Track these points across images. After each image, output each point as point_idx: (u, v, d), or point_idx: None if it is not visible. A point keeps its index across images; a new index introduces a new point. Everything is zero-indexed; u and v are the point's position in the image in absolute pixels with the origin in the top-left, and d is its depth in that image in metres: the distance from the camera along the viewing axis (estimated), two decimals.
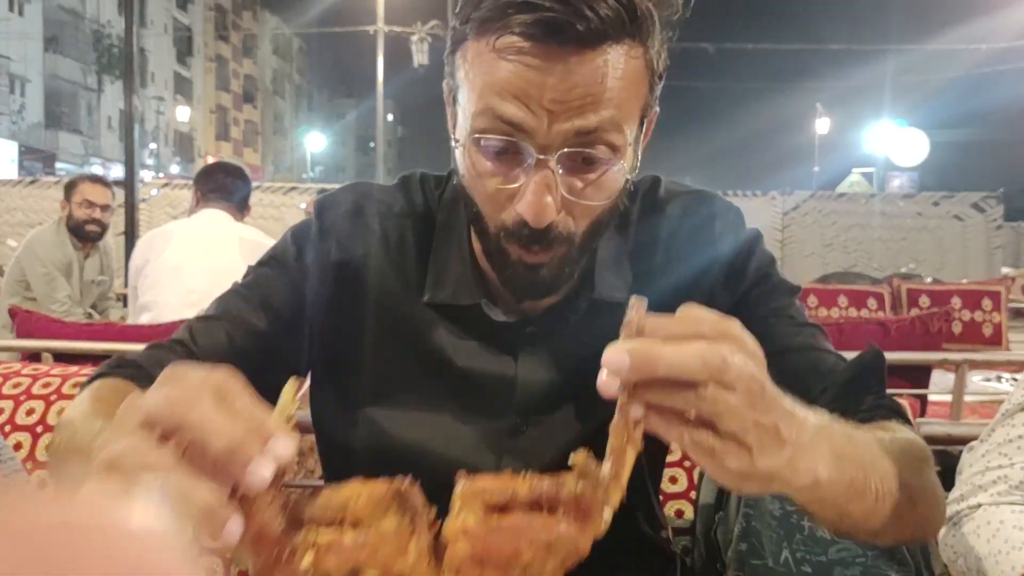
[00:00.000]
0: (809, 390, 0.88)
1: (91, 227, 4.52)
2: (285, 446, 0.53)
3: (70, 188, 4.57)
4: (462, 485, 0.60)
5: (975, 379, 3.35)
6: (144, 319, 3.37)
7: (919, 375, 2.84)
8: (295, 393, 0.59)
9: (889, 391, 0.97)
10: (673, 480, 1.48)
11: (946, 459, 1.32)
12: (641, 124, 0.88)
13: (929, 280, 6.18)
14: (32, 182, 9.25)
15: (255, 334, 0.96)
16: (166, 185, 8.78)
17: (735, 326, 0.59)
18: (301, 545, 0.56)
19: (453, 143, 0.90)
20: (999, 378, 3.31)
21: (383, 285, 0.98)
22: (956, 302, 5.04)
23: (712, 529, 1.34)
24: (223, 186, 3.50)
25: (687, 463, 1.50)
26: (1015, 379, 2.66)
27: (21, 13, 34.59)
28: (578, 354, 0.85)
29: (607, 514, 0.59)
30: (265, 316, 0.97)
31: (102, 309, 4.80)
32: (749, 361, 0.58)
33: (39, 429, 1.49)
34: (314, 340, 1.00)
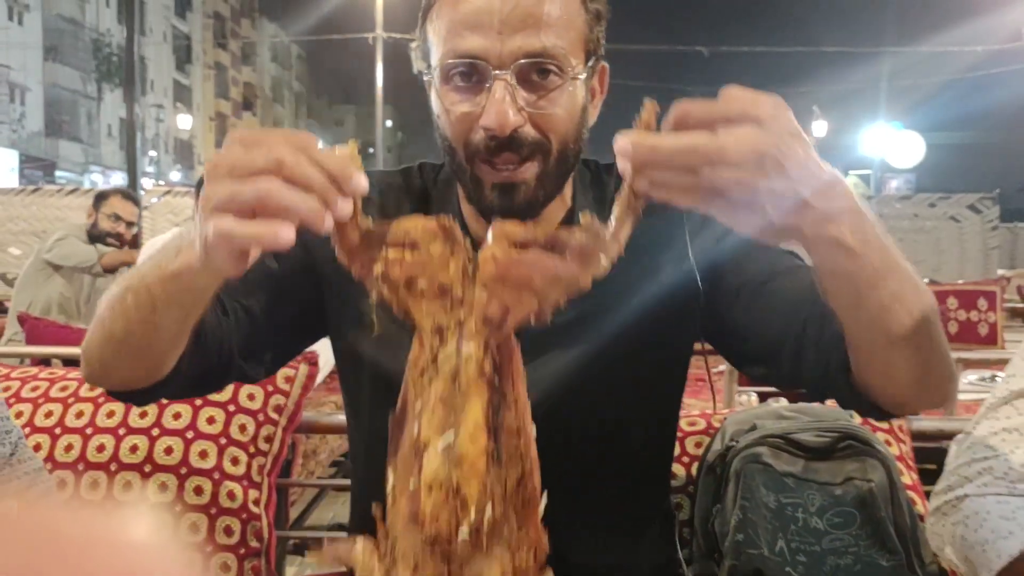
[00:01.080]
0: (811, 304, 0.93)
1: (112, 241, 4.65)
2: (364, 181, 0.71)
3: (101, 199, 4.73)
4: (494, 226, 0.76)
5: (970, 378, 3.40)
6: None
7: None
8: (356, 147, 0.73)
9: None
10: (672, 476, 1.53)
11: (938, 455, 1.36)
12: (588, 60, 1.01)
13: (926, 281, 6.23)
14: (35, 190, 9.29)
15: (268, 274, 1.06)
16: (168, 193, 8.82)
17: (764, 105, 0.68)
18: (375, 261, 0.75)
19: (431, 101, 1.03)
20: (993, 377, 3.36)
21: None
22: (952, 302, 5.09)
23: (710, 521, 1.38)
24: None
25: (684, 459, 1.54)
26: None
27: (21, 22, 34.68)
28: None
29: (605, 261, 0.74)
30: (276, 259, 1.07)
31: None
32: (758, 142, 0.66)
33: (57, 431, 1.54)
34: (323, 288, 1.10)
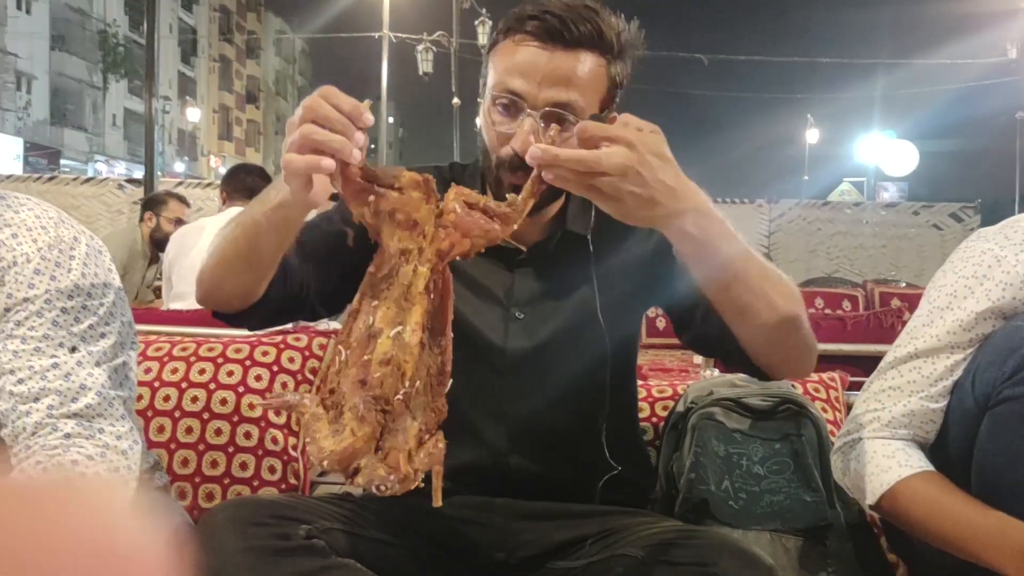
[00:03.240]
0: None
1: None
2: (370, 117, 1.01)
3: (160, 204, 5.09)
4: (454, 188, 1.03)
5: None
6: (176, 306, 3.72)
7: (872, 365, 3.17)
8: (368, 104, 1.04)
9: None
10: (643, 432, 1.83)
11: None
12: (601, 111, 1.30)
13: (903, 284, 6.50)
14: (51, 179, 9.46)
15: (339, 234, 1.28)
16: (180, 184, 9.04)
17: (637, 132, 1.02)
18: (368, 193, 1.01)
19: (482, 111, 1.35)
20: None
21: None
22: None
23: (670, 465, 1.68)
24: (246, 185, 3.93)
25: (653, 419, 1.84)
26: None
27: (28, 11, 34.66)
28: (553, 270, 1.39)
29: (515, 226, 1.04)
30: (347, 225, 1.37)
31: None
32: (627, 159, 0.99)
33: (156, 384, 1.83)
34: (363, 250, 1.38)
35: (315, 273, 1.34)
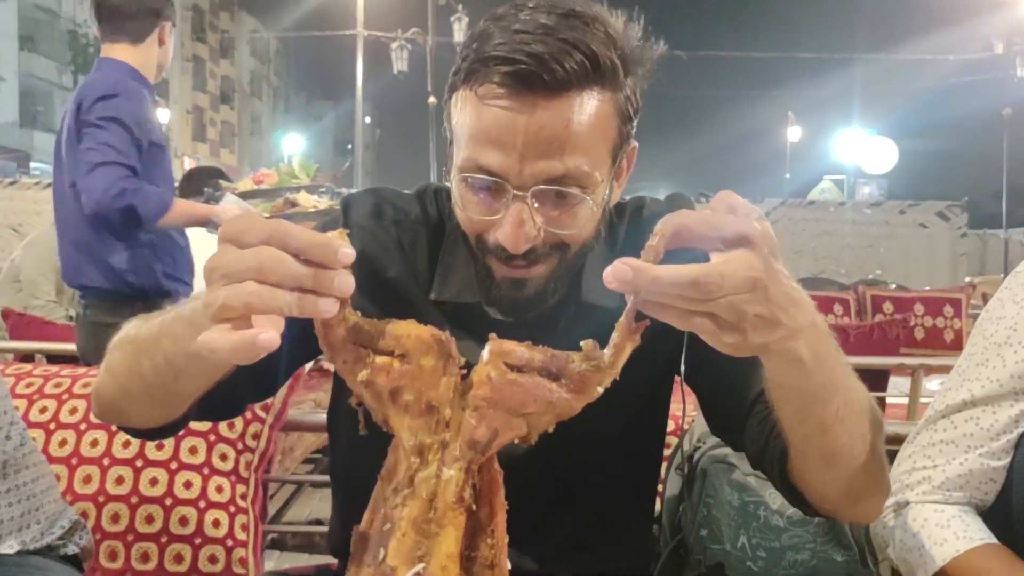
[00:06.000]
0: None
1: None
2: (349, 281, 0.68)
3: None
4: (491, 344, 0.74)
5: (935, 383, 3.50)
6: None
7: (877, 378, 3.00)
8: (344, 235, 0.70)
9: None
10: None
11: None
12: (614, 161, 1.01)
13: (893, 287, 6.37)
14: (12, 183, 9.22)
15: None
16: None
17: (755, 224, 0.70)
18: (360, 363, 0.72)
19: (452, 181, 1.02)
20: None
21: (394, 281, 1.10)
22: (919, 309, 5.22)
23: (676, 517, 1.46)
24: (201, 191, 3.65)
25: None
26: None
27: None
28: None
29: (600, 389, 0.73)
30: None
31: None
32: (752, 268, 0.68)
33: (52, 427, 1.59)
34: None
35: (251, 376, 1.00)
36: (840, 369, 0.83)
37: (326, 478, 1.41)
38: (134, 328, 0.94)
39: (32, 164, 34.31)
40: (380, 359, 0.72)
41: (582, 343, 0.74)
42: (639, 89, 1.01)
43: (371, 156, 70.54)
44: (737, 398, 1.06)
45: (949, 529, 1.12)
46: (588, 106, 0.94)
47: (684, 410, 1.21)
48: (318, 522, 3.01)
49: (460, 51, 0.99)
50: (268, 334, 0.65)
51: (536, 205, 0.95)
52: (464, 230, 1.03)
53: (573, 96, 0.93)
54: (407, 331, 0.72)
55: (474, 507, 0.73)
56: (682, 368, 1.10)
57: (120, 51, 2.77)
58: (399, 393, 0.72)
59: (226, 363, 0.81)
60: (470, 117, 0.96)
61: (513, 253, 0.96)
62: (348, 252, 0.67)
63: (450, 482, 0.71)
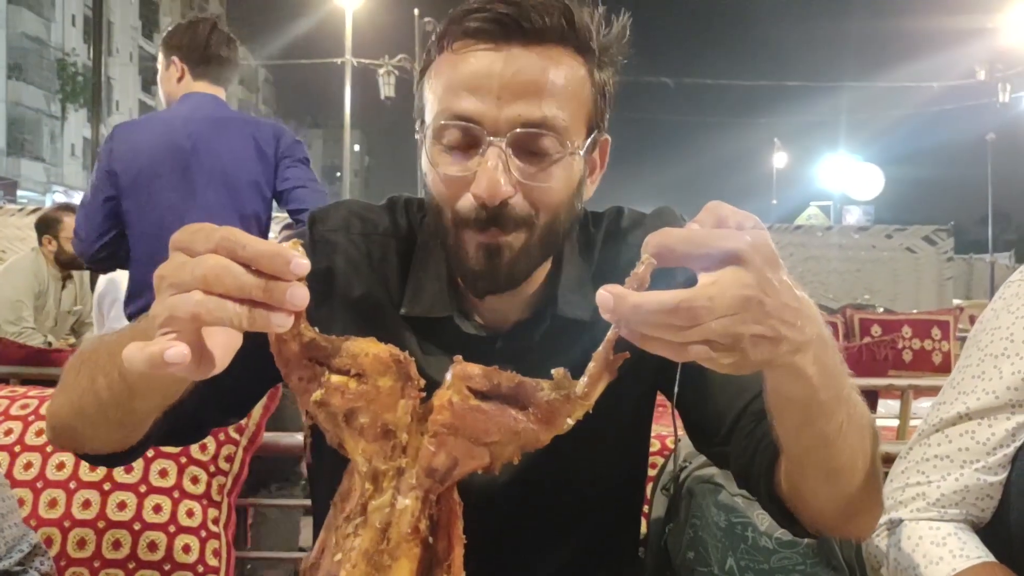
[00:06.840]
0: (756, 398, 0.97)
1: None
2: (303, 294, 0.64)
3: (53, 224, 4.54)
4: (455, 368, 0.69)
5: (924, 404, 3.48)
6: None
7: (867, 400, 2.97)
8: (298, 245, 0.65)
9: None
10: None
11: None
12: (589, 134, 0.99)
13: (881, 310, 6.36)
14: None
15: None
16: None
17: (746, 236, 0.65)
18: (315, 381, 0.68)
19: (421, 159, 0.99)
20: None
21: (364, 296, 1.06)
22: (907, 331, 5.20)
23: (662, 539, 1.42)
24: None
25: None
26: None
27: None
28: (542, 368, 0.82)
29: (569, 422, 0.69)
30: None
31: (80, 335, 4.81)
32: (744, 286, 0.63)
33: (17, 449, 1.54)
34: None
35: (218, 387, 0.96)
36: (845, 381, 0.79)
37: (307, 502, 1.36)
38: (90, 345, 0.91)
39: (19, 192, 34.18)
40: (336, 378, 0.67)
41: (553, 371, 0.69)
42: (613, 81, 1.01)
43: (360, 183, 70.64)
44: (722, 413, 1.02)
45: (945, 547, 1.09)
46: (565, 64, 0.94)
47: (676, 432, 1.17)
48: (302, 550, 2.94)
49: (433, 34, 0.99)
50: (175, 349, 0.60)
51: (512, 153, 0.92)
52: (438, 203, 0.98)
53: (550, 48, 0.93)
54: (364, 349, 0.68)
55: (431, 539, 0.69)
56: (675, 391, 1.05)
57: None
58: (354, 415, 0.67)
59: (182, 379, 0.76)
60: (445, 74, 0.95)
61: (488, 204, 0.92)
62: (302, 263, 0.63)
63: (405, 512, 0.67)
